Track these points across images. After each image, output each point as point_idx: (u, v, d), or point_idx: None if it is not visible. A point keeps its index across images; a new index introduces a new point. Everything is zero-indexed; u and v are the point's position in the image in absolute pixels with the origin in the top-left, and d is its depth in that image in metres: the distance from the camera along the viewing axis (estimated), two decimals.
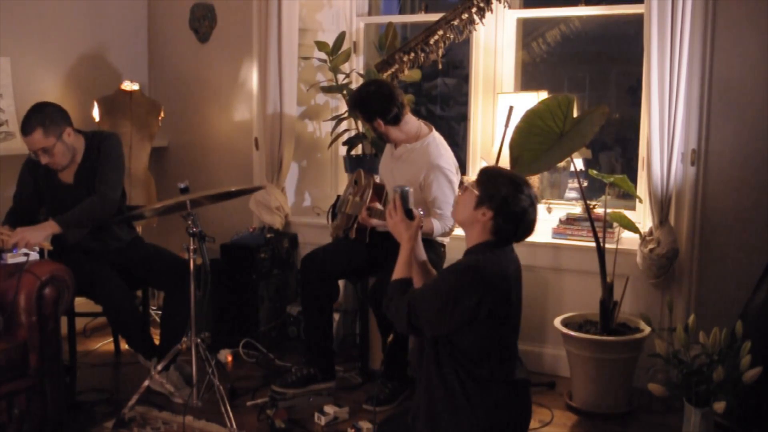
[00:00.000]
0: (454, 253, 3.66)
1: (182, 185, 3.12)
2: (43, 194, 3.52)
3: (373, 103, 3.43)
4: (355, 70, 4.43)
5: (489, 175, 2.37)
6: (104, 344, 4.23)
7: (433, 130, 3.56)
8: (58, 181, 3.50)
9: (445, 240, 3.60)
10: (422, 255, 2.53)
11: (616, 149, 4.50)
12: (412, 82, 4.29)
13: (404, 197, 2.43)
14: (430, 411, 2.33)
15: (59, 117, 3.38)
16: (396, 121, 3.44)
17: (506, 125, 3.49)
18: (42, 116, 3.32)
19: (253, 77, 4.47)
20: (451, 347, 2.29)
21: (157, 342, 3.65)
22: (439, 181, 3.37)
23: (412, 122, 3.51)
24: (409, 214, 2.43)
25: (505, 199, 2.28)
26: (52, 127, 3.33)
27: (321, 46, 4.20)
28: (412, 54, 4.11)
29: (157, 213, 3.39)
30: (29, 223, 3.38)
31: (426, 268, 2.56)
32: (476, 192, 2.32)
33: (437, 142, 3.50)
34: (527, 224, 2.33)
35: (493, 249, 2.33)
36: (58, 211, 3.40)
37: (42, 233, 3.27)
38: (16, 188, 3.56)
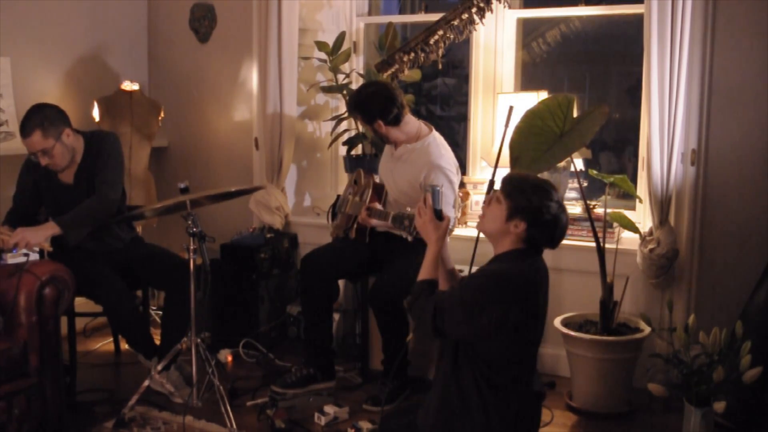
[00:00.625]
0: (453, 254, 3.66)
1: (182, 185, 3.12)
2: (43, 195, 3.52)
3: (373, 104, 3.43)
4: (355, 70, 4.43)
5: (516, 185, 2.32)
6: (104, 344, 4.23)
7: (433, 130, 3.56)
8: (58, 182, 3.50)
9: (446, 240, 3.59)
10: (449, 258, 2.49)
11: (616, 149, 4.50)
12: (412, 82, 4.29)
13: (435, 196, 2.39)
14: (442, 413, 2.30)
15: (58, 118, 3.37)
16: (396, 121, 3.44)
17: (506, 125, 3.49)
18: (40, 118, 3.32)
19: (253, 77, 4.47)
20: (473, 353, 2.26)
21: (157, 342, 3.64)
22: (440, 182, 3.37)
23: (412, 122, 3.51)
24: (438, 215, 2.39)
25: (538, 210, 2.25)
26: (51, 129, 3.32)
27: (321, 46, 4.20)
28: (412, 54, 4.11)
29: (157, 213, 3.39)
30: (29, 223, 3.38)
31: (453, 273, 2.52)
32: (505, 204, 2.28)
33: (437, 142, 3.50)
34: (561, 230, 2.31)
35: (524, 257, 2.29)
36: (58, 211, 3.40)
37: (42, 234, 3.27)
38: (16, 189, 3.56)
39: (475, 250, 3.36)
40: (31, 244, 3.21)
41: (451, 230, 3.47)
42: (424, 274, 2.37)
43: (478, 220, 2.44)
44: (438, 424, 2.30)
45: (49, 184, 3.50)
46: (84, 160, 3.50)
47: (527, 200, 2.26)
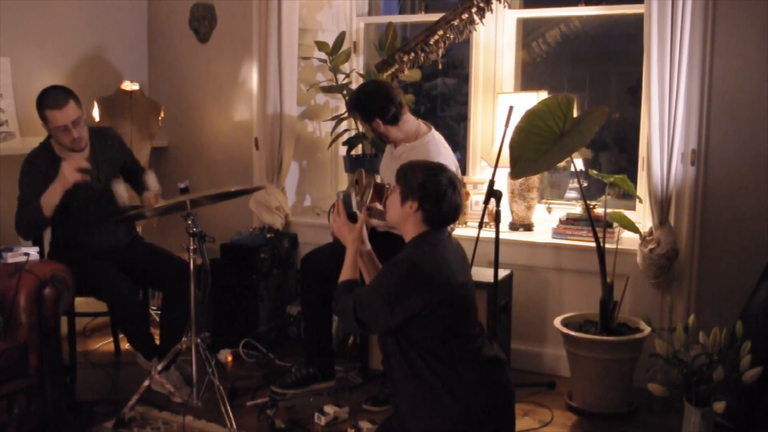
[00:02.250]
0: None
1: (182, 185, 3.12)
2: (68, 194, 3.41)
3: (372, 103, 3.43)
4: (355, 70, 4.43)
5: (405, 170, 2.46)
6: (104, 344, 4.23)
7: (432, 128, 3.56)
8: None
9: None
10: (371, 254, 2.61)
11: (616, 149, 4.50)
12: (412, 82, 4.29)
13: (346, 201, 2.54)
14: (410, 405, 2.37)
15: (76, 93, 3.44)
16: (395, 120, 3.44)
17: (506, 125, 3.49)
18: (66, 90, 3.38)
19: (253, 77, 4.47)
20: (411, 337, 2.35)
21: (157, 342, 3.64)
22: None
23: (411, 121, 3.52)
24: (352, 218, 2.53)
25: (423, 185, 2.36)
26: (79, 100, 3.40)
27: (321, 46, 4.20)
28: (412, 54, 4.11)
29: (157, 213, 3.39)
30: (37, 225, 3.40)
31: (377, 267, 2.64)
32: (398, 190, 2.41)
33: (436, 140, 3.51)
34: (451, 204, 2.39)
35: (428, 239, 2.39)
36: (70, 202, 3.38)
37: (78, 160, 3.36)
38: (22, 189, 3.44)
39: (475, 250, 3.36)
40: (75, 168, 3.29)
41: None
42: (344, 275, 2.50)
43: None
44: (412, 418, 2.36)
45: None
46: (96, 152, 3.52)
47: (414, 179, 2.39)
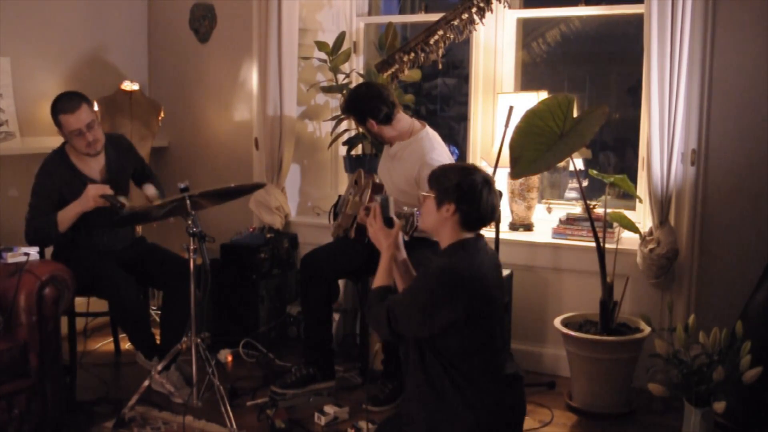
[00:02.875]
0: None
1: (182, 185, 3.12)
2: (68, 198, 3.41)
3: (364, 104, 3.45)
4: (355, 70, 4.43)
5: (437, 174, 2.40)
6: (104, 344, 4.23)
7: (427, 126, 3.57)
8: (86, 179, 3.48)
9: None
10: (406, 261, 2.54)
11: (616, 149, 4.50)
12: (412, 82, 4.29)
13: (384, 205, 2.45)
14: (423, 414, 2.33)
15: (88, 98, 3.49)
16: (388, 120, 3.46)
17: (506, 125, 3.49)
18: (80, 94, 3.42)
19: (253, 77, 4.47)
20: (437, 348, 2.30)
21: (158, 341, 3.64)
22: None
23: (404, 120, 3.53)
24: (389, 222, 2.45)
25: (459, 185, 2.31)
26: (91, 104, 3.44)
27: (321, 46, 4.20)
28: (412, 54, 4.11)
29: (158, 217, 3.38)
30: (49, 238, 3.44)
31: (411, 275, 2.57)
32: (432, 194, 2.36)
33: (430, 137, 3.52)
34: (488, 203, 2.34)
35: (466, 247, 2.34)
36: (86, 213, 3.39)
37: (101, 188, 3.40)
38: (35, 198, 3.43)
39: None
40: (98, 193, 3.34)
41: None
42: (378, 281, 2.43)
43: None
44: (423, 425, 2.32)
45: (75, 185, 3.43)
46: (109, 155, 3.55)
47: (448, 181, 2.33)
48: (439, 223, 2.37)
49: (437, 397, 2.30)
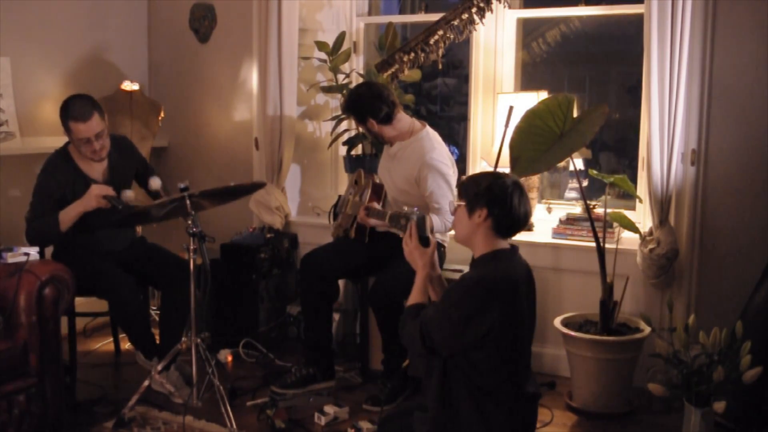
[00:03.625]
0: (454, 254, 3.67)
1: (182, 185, 3.12)
2: (70, 199, 3.41)
3: (364, 103, 3.46)
4: (355, 70, 4.43)
5: (466, 183, 2.39)
6: (104, 344, 4.23)
7: (427, 126, 3.57)
8: (88, 180, 3.47)
9: (445, 239, 3.60)
10: (440, 278, 2.49)
11: (616, 149, 4.50)
12: (412, 82, 4.29)
13: (420, 224, 2.41)
14: (436, 420, 2.29)
15: (99, 103, 3.47)
16: (388, 120, 3.46)
17: (506, 125, 3.49)
18: (92, 101, 3.40)
19: (253, 77, 4.47)
20: (461, 360, 2.24)
21: (158, 341, 3.64)
22: (434, 175, 3.37)
23: (404, 120, 3.53)
24: (425, 242, 2.41)
25: (489, 189, 2.28)
26: (102, 111, 3.41)
27: (321, 46, 4.20)
28: (412, 54, 4.11)
29: (158, 218, 3.38)
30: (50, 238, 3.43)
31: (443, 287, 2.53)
32: (463, 202, 2.33)
33: (430, 136, 3.52)
34: (520, 206, 2.31)
35: (500, 257, 2.30)
36: (87, 212, 3.39)
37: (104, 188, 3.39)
38: (37, 197, 3.42)
39: None
40: (102, 194, 3.34)
41: (451, 227, 3.48)
42: (413, 299, 2.39)
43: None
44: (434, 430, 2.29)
45: (78, 186, 3.44)
46: (112, 158, 3.54)
47: (478, 186, 2.30)
48: (471, 231, 2.32)
49: (451, 405, 2.25)
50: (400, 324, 2.37)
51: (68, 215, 3.37)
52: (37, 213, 3.40)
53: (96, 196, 3.35)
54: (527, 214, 2.34)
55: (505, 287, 2.21)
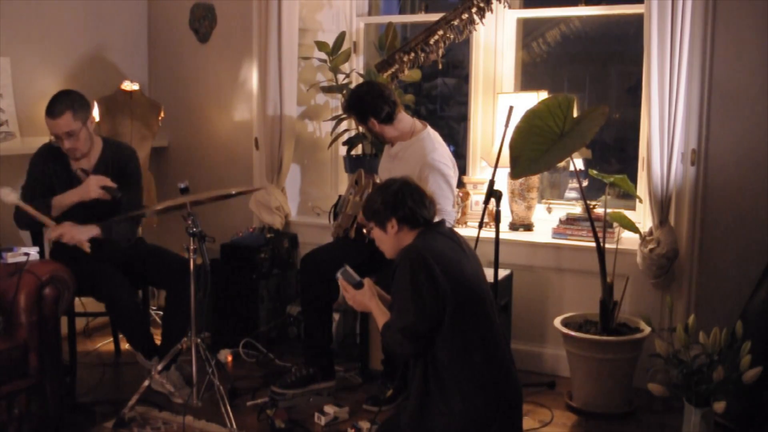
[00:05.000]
0: None
1: (182, 185, 3.12)
2: (56, 188, 3.45)
3: (365, 103, 3.45)
4: (355, 70, 4.43)
5: (365, 207, 2.63)
6: (104, 344, 4.23)
7: (428, 126, 3.57)
8: (74, 176, 3.48)
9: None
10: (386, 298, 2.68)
11: (616, 149, 4.50)
12: (412, 82, 4.29)
13: (346, 277, 2.62)
14: (416, 403, 2.43)
15: (86, 103, 3.44)
16: (389, 119, 3.46)
17: (506, 125, 3.49)
18: (71, 100, 3.38)
19: (253, 77, 4.47)
20: (432, 346, 2.42)
21: (158, 342, 3.64)
22: (435, 176, 3.37)
23: (406, 120, 3.53)
24: (359, 286, 2.62)
25: (384, 202, 2.53)
26: (81, 112, 3.38)
27: (321, 46, 4.20)
28: (412, 54, 4.11)
29: (157, 213, 3.39)
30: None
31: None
32: (372, 224, 2.58)
33: (431, 137, 3.52)
34: (413, 198, 2.52)
35: (418, 236, 2.52)
36: (74, 209, 3.38)
37: (87, 233, 3.33)
38: (27, 181, 3.48)
39: (475, 250, 3.35)
40: (75, 239, 3.29)
41: (454, 225, 3.48)
42: (379, 321, 2.57)
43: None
44: (415, 413, 2.42)
45: (64, 178, 3.46)
46: (102, 164, 3.52)
47: (374, 205, 2.56)
48: (396, 241, 2.55)
49: (433, 384, 2.40)
50: (384, 345, 2.57)
51: (63, 201, 3.36)
52: (27, 196, 3.41)
53: (94, 186, 3.34)
54: (424, 200, 2.55)
55: (427, 251, 2.42)
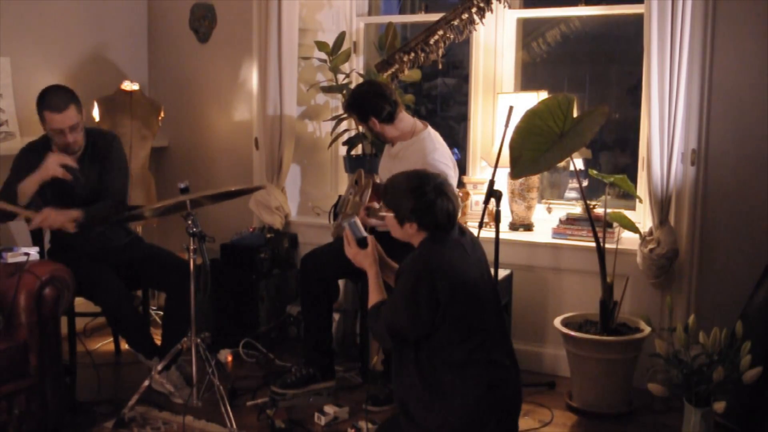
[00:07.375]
0: None
1: (182, 185, 3.12)
2: (44, 187, 3.38)
3: (366, 102, 3.46)
4: (355, 70, 4.43)
5: (391, 193, 2.52)
6: (104, 344, 4.23)
7: (428, 126, 3.57)
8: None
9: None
10: (391, 268, 2.65)
11: (616, 149, 4.50)
12: (412, 82, 4.29)
13: (353, 229, 2.56)
14: (415, 404, 2.41)
15: (79, 98, 3.42)
16: (390, 119, 3.47)
17: (506, 125, 3.49)
18: (71, 93, 3.36)
19: (253, 77, 4.47)
20: (432, 344, 2.40)
21: (158, 342, 3.64)
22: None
23: (406, 120, 3.53)
24: (363, 243, 2.56)
25: (414, 209, 2.43)
26: (80, 104, 3.37)
27: (321, 46, 4.20)
28: (412, 54, 4.11)
29: (158, 213, 3.38)
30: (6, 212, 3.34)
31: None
32: (391, 214, 2.49)
33: (432, 137, 3.52)
34: (444, 212, 2.44)
35: (434, 239, 2.46)
36: (54, 200, 3.35)
37: (67, 216, 3.29)
38: (11, 174, 3.41)
39: None
40: (57, 221, 3.26)
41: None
42: (372, 299, 2.54)
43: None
44: (418, 415, 2.40)
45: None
46: (86, 155, 3.48)
47: (403, 204, 2.46)
48: (407, 237, 2.50)
49: (422, 383, 2.39)
50: (369, 325, 2.54)
51: (26, 187, 3.29)
52: (5, 187, 3.38)
53: (53, 165, 3.28)
54: (451, 216, 2.47)
55: (439, 263, 2.37)
